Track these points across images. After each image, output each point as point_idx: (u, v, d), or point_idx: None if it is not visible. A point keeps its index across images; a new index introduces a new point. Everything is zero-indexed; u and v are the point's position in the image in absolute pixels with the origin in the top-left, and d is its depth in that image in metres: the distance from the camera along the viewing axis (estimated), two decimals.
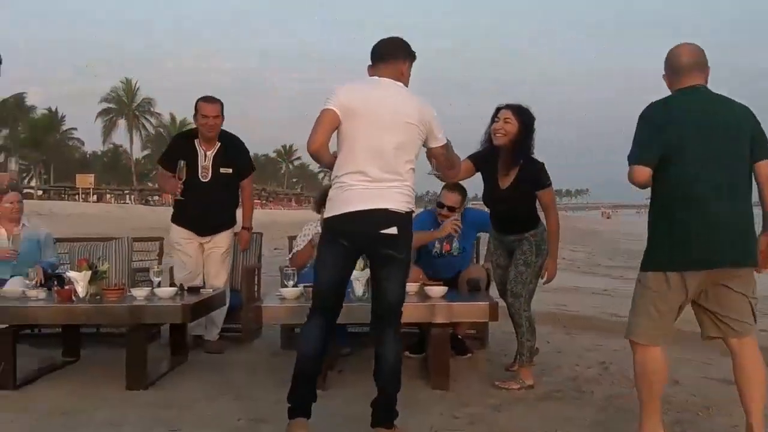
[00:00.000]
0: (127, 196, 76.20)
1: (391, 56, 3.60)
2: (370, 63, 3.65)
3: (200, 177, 5.50)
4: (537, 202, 4.68)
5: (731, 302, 3.25)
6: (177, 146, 5.69)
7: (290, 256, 5.67)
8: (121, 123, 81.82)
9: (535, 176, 4.59)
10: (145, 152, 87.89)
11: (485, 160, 4.69)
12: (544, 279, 4.68)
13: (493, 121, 4.62)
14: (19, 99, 76.13)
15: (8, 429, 3.76)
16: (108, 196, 74.90)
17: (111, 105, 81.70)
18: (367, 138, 3.43)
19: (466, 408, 4.07)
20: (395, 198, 3.44)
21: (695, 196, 3.15)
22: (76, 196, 65.80)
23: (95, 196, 68.53)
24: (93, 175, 70.82)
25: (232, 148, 5.66)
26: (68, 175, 76.74)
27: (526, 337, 4.58)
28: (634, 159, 3.20)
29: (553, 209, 4.67)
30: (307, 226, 5.72)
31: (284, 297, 4.59)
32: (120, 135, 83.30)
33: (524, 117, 4.58)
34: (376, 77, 3.57)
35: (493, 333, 5.82)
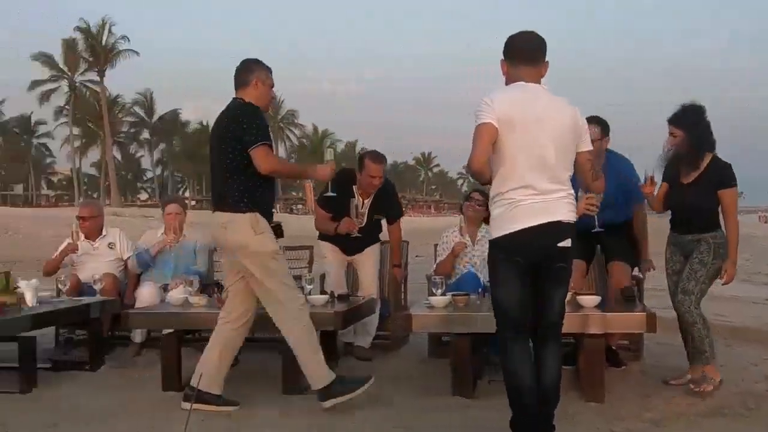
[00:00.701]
0: (275, 205, 79.07)
1: (536, 58, 3.43)
2: (505, 58, 3.46)
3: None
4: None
5: None
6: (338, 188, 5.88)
7: (434, 267, 5.74)
8: None
9: (720, 174, 4.57)
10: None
11: (669, 169, 4.78)
12: (723, 280, 4.56)
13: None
14: (174, 114, 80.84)
15: (178, 429, 3.97)
16: None
17: None
18: (529, 150, 3.27)
19: (623, 422, 3.93)
20: (564, 209, 3.33)
21: None
22: None
23: None
24: None
25: (386, 198, 5.87)
26: None
27: (704, 333, 4.51)
28: None
29: (734, 211, 4.55)
30: (446, 233, 5.77)
31: (433, 305, 4.62)
32: None
33: (685, 122, 4.58)
34: (524, 83, 3.38)
35: (648, 345, 5.59)
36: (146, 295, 5.79)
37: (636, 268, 5.29)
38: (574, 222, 3.38)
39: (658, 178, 4.86)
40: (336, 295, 5.14)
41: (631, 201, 5.10)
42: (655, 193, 4.85)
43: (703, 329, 4.51)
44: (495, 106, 3.26)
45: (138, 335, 5.86)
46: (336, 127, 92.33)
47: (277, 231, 4.32)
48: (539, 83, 3.42)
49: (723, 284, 4.63)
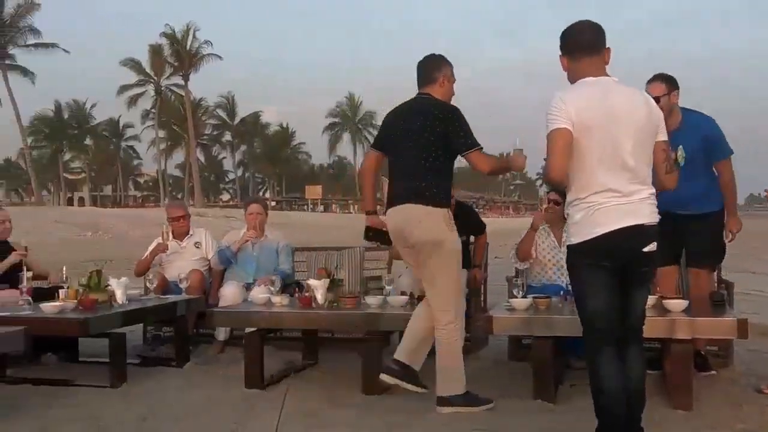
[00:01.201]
0: (351, 205, 79.79)
1: (597, 47, 3.27)
2: (564, 53, 3.33)
3: None
4: None
5: None
6: None
7: (515, 250, 5.72)
8: (345, 136, 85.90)
9: None
10: None
11: None
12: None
13: None
14: (255, 117, 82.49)
15: (260, 427, 4.05)
16: (334, 205, 78.92)
17: (336, 119, 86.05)
18: (607, 151, 3.14)
19: (714, 431, 3.80)
20: (647, 210, 3.21)
21: None
22: (305, 206, 70.04)
23: (322, 206, 72.46)
24: (320, 186, 74.93)
25: (464, 219, 5.63)
26: (298, 186, 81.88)
27: None
28: None
29: None
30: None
31: (514, 308, 4.56)
32: (344, 147, 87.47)
33: None
34: (593, 79, 3.23)
35: (737, 351, 5.39)
36: (229, 294, 5.92)
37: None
38: (657, 223, 3.26)
39: None
40: (416, 297, 5.13)
41: (714, 159, 4.87)
42: None
43: None
44: (569, 108, 3.13)
45: (221, 333, 5.99)
46: None
47: (378, 236, 4.51)
48: (606, 73, 3.29)
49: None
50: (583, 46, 3.28)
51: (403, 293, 5.12)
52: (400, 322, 4.60)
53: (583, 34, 3.30)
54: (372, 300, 4.92)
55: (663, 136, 3.33)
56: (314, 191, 71.04)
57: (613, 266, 3.20)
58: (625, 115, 3.18)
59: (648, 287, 3.40)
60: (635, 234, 3.17)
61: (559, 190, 4.47)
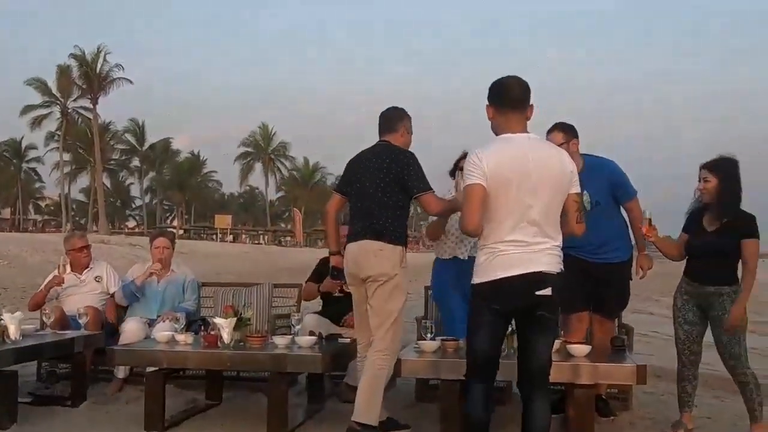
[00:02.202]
0: (261, 236, 78.96)
1: (522, 104, 3.50)
2: (491, 104, 3.54)
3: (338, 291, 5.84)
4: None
5: None
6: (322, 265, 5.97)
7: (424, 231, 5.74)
8: (258, 166, 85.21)
9: (745, 224, 4.59)
10: (279, 194, 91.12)
11: (692, 219, 4.80)
12: (726, 324, 4.56)
13: (699, 181, 4.71)
14: (166, 143, 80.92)
15: None
16: (243, 236, 77.89)
17: (249, 149, 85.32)
18: (515, 205, 3.36)
19: None
20: (547, 260, 3.40)
21: None
22: (214, 236, 68.83)
23: (231, 236, 71.39)
24: (230, 216, 73.90)
25: None
26: (207, 215, 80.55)
27: (755, 392, 4.58)
28: None
29: (755, 262, 4.56)
30: None
31: (423, 350, 4.57)
32: (256, 177, 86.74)
33: (722, 170, 4.62)
34: (511, 135, 3.46)
35: (636, 395, 5.54)
36: (130, 330, 5.72)
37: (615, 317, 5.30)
38: (559, 273, 3.44)
39: (678, 225, 4.89)
40: (324, 336, 5.09)
41: (622, 200, 5.01)
42: (659, 235, 4.78)
43: (755, 389, 4.58)
44: (483, 165, 3.37)
45: (121, 371, 5.76)
46: (328, 161, 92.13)
47: (342, 275, 4.66)
48: (526, 129, 3.50)
49: (725, 329, 4.57)
50: (511, 102, 3.50)
51: (311, 333, 5.06)
52: (308, 363, 4.54)
53: (513, 90, 3.52)
54: (280, 340, 4.84)
55: (576, 189, 3.53)
56: (223, 221, 69.85)
57: (505, 310, 3.44)
58: (538, 172, 3.38)
59: (549, 334, 3.52)
60: (530, 280, 3.36)
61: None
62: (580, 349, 4.39)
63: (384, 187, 4.45)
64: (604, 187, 4.91)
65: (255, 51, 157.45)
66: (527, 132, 3.51)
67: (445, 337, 4.74)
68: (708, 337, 4.78)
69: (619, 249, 5.03)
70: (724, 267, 4.64)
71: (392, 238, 4.43)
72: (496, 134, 3.54)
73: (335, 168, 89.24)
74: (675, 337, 4.86)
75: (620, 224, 5.06)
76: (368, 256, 4.41)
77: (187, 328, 5.29)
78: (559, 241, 3.47)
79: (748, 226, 4.58)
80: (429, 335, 4.70)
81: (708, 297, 4.66)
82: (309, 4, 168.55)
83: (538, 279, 3.37)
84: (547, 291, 3.38)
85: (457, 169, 5.05)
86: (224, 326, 4.74)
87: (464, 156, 5.29)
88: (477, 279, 3.46)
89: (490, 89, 3.56)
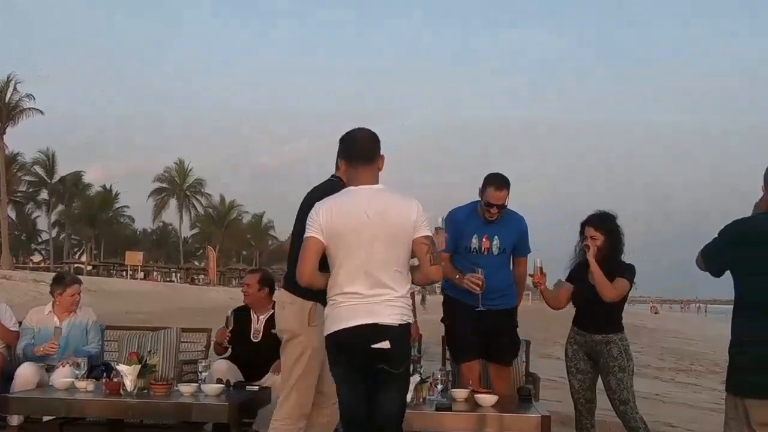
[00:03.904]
0: (174, 274, 77.16)
1: (371, 157, 3.60)
2: (342, 158, 3.66)
3: (252, 337, 5.74)
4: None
5: None
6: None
7: None
8: (172, 202, 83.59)
9: (622, 269, 4.88)
10: (194, 231, 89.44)
11: (577, 269, 5.03)
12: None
13: (581, 238, 4.95)
14: (77, 176, 78.56)
15: None
16: (155, 273, 75.97)
17: (163, 185, 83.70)
18: (352, 256, 3.46)
19: None
20: (387, 312, 3.44)
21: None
22: (125, 273, 66.92)
23: (142, 273, 69.56)
24: (142, 253, 72.06)
25: None
26: (118, 251, 78.25)
27: None
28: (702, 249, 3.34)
29: (619, 289, 4.84)
30: None
31: None
32: (170, 214, 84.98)
33: (607, 226, 4.90)
34: (353, 189, 3.57)
35: None
36: (24, 376, 5.43)
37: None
38: (400, 325, 3.48)
39: (561, 275, 5.09)
40: (232, 385, 4.98)
41: (519, 254, 5.18)
42: (548, 287, 5.02)
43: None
44: (320, 219, 3.49)
45: (15, 418, 5.47)
46: (244, 198, 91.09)
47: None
48: (375, 180, 3.60)
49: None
50: (360, 155, 3.59)
51: (219, 380, 4.95)
52: (214, 413, 4.43)
53: (362, 143, 3.62)
54: (185, 388, 4.71)
55: (423, 232, 3.57)
56: (134, 257, 67.99)
57: (350, 362, 3.49)
58: (374, 224, 3.46)
59: (395, 384, 3.52)
60: (367, 332, 3.41)
61: None
62: (488, 399, 4.44)
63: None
64: (514, 238, 5.09)
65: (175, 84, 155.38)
66: (377, 183, 3.60)
67: None
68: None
69: (512, 296, 5.18)
70: (611, 315, 4.92)
71: (303, 291, 3.87)
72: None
73: (252, 207, 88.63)
74: (569, 387, 5.06)
75: (510, 274, 5.20)
76: (277, 308, 4.22)
77: (89, 372, 5.09)
78: (402, 292, 3.52)
79: (626, 271, 4.88)
80: None
81: (596, 345, 4.89)
82: (222, 36, 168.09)
83: (375, 331, 3.42)
84: (385, 344, 3.41)
85: None
86: (127, 373, 4.59)
87: None
88: (326, 331, 3.56)
89: (340, 143, 3.67)
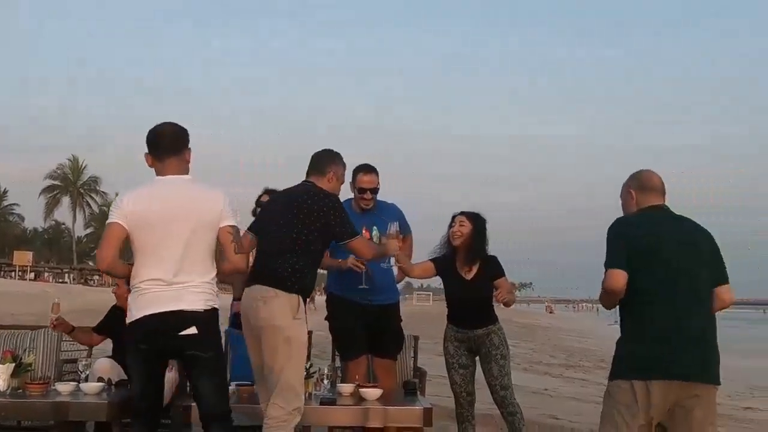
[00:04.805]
0: (66, 274, 74.32)
1: (176, 149, 3.72)
2: (149, 152, 3.73)
3: None
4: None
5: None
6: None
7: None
8: (65, 200, 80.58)
9: (495, 266, 5.16)
10: (88, 230, 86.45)
11: (444, 260, 5.19)
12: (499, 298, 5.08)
13: (450, 226, 5.15)
14: None
15: None
16: (46, 274, 72.98)
17: (56, 182, 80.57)
18: (156, 243, 3.56)
19: None
20: (192, 298, 3.56)
21: (665, 308, 3.26)
22: (13, 273, 64.01)
23: (32, 274, 66.71)
24: (31, 252, 69.08)
25: None
26: (6, 250, 74.84)
27: (521, 422, 5.04)
28: (608, 264, 3.30)
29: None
30: None
31: None
32: (63, 212, 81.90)
33: (477, 221, 5.15)
34: (161, 178, 3.69)
35: None
36: None
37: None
38: (206, 310, 3.61)
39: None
40: (114, 383, 4.85)
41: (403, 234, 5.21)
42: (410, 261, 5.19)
43: (522, 418, 5.07)
44: (123, 206, 3.59)
45: None
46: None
47: None
48: (184, 171, 3.72)
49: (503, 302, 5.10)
50: (165, 148, 3.70)
51: (100, 379, 4.81)
52: (92, 411, 4.30)
53: (165, 137, 3.72)
54: (63, 387, 4.55)
55: (228, 222, 3.69)
56: (23, 257, 64.96)
57: (153, 350, 3.58)
58: (181, 212, 3.59)
59: (209, 369, 3.67)
60: (174, 319, 3.52)
61: None
62: (373, 393, 4.48)
63: (300, 230, 4.03)
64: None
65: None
66: (186, 174, 3.73)
67: (239, 382, 4.67)
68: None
69: (394, 291, 5.33)
70: (487, 308, 5.19)
71: (287, 285, 3.94)
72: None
73: None
74: (450, 382, 5.25)
75: (391, 266, 5.27)
76: (257, 302, 3.98)
77: None
78: (207, 279, 3.64)
79: (496, 266, 5.16)
80: None
81: (478, 339, 5.13)
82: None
83: (180, 318, 3.52)
84: (192, 330, 3.52)
85: (257, 205, 5.16)
86: (0, 373, 4.41)
87: (266, 192, 5.36)
88: (128, 319, 3.61)
89: (147, 138, 3.75)
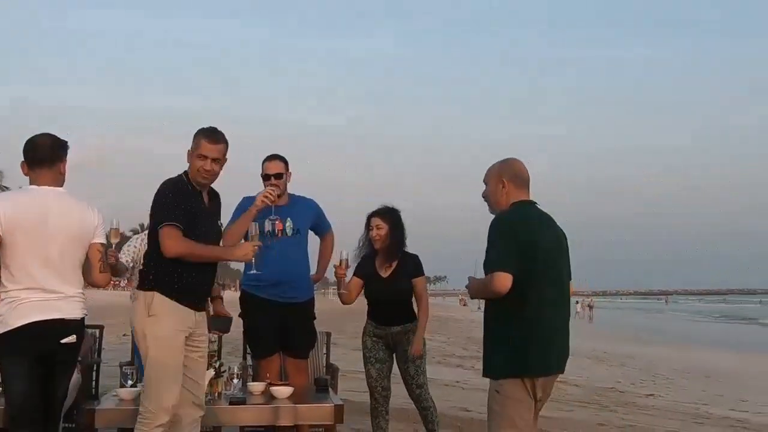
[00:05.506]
0: None
1: (51, 159, 3.73)
2: (24, 161, 3.74)
3: None
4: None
5: None
6: None
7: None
8: None
9: (413, 264, 5.22)
10: None
11: (365, 263, 5.26)
12: (411, 353, 5.12)
13: (367, 229, 5.22)
14: None
15: None
16: None
17: None
18: (32, 253, 3.58)
19: None
20: (71, 307, 3.66)
21: (544, 305, 3.36)
22: None
23: None
24: None
25: None
26: None
27: (434, 416, 5.21)
28: (497, 265, 3.25)
29: (426, 295, 5.31)
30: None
31: (122, 398, 4.34)
32: None
33: (392, 218, 5.21)
34: (36, 187, 3.70)
35: (341, 430, 5.71)
36: None
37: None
38: (81, 318, 3.74)
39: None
40: None
41: (322, 231, 5.28)
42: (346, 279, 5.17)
43: (436, 411, 5.23)
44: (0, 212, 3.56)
45: None
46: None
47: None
48: (59, 183, 3.75)
49: (411, 358, 5.16)
50: (40, 159, 3.71)
51: None
52: None
53: (42, 149, 3.73)
54: None
55: (100, 239, 3.85)
56: None
57: (33, 355, 3.61)
58: (56, 223, 3.64)
59: (68, 372, 3.84)
60: (54, 327, 3.61)
61: None
62: (284, 391, 4.46)
63: (150, 226, 3.98)
64: (308, 218, 5.14)
65: None
66: (60, 187, 3.75)
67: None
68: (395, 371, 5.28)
69: (307, 288, 5.19)
70: (405, 306, 5.27)
71: (142, 282, 3.92)
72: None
73: None
74: (366, 376, 5.31)
75: (306, 261, 5.22)
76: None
77: None
78: (80, 290, 3.75)
79: (415, 266, 5.22)
80: (130, 382, 4.49)
81: (395, 336, 5.21)
82: None
83: (62, 326, 3.63)
84: (72, 338, 3.66)
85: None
86: None
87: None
88: (3, 328, 3.56)
89: (23, 147, 3.75)
